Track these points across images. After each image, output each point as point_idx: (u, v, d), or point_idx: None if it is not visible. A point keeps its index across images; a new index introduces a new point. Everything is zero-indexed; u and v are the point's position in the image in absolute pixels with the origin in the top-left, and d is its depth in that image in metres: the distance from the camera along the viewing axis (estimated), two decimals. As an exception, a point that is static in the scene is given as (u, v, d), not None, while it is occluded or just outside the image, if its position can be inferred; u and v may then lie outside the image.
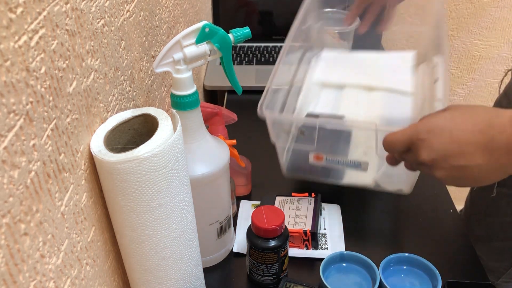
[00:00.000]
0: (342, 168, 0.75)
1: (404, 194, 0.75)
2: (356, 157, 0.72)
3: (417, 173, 0.68)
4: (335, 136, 0.71)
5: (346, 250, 0.71)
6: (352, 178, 0.76)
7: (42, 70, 0.35)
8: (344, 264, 0.67)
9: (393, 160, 0.59)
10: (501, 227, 0.88)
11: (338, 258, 0.67)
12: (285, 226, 0.64)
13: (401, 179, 0.73)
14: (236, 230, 0.75)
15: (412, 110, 0.78)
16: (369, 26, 0.83)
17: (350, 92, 0.84)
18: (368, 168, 0.72)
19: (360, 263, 0.66)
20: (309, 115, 0.78)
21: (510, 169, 0.48)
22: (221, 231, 0.68)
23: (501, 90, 0.90)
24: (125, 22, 0.55)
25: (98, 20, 0.46)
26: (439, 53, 0.72)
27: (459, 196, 1.05)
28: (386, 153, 0.59)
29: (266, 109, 0.66)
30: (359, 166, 0.72)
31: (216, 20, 1.31)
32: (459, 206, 0.97)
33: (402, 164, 0.59)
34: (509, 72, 0.90)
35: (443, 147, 0.49)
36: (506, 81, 0.88)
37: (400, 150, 0.55)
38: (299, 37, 0.84)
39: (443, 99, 0.62)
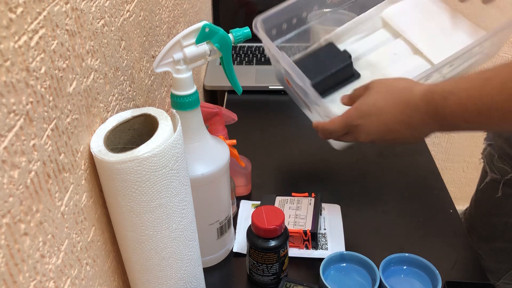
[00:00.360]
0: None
1: (336, 149, 0.77)
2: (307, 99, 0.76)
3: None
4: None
5: (346, 250, 0.71)
6: (308, 112, 0.81)
7: (42, 70, 0.35)
8: (344, 264, 0.67)
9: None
10: (505, 228, 0.88)
11: (338, 258, 0.67)
12: (285, 226, 0.64)
13: None
14: (236, 230, 0.75)
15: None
16: None
17: (399, 45, 0.83)
18: (314, 112, 0.77)
19: (360, 263, 0.66)
20: (329, 44, 0.82)
21: (433, 132, 0.58)
22: (221, 231, 0.68)
23: None
24: (125, 22, 0.55)
25: (98, 20, 0.46)
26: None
27: (459, 196, 1.05)
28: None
29: (260, 26, 0.74)
30: (308, 107, 0.78)
31: (216, 20, 1.31)
32: (459, 206, 0.96)
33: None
34: None
35: (376, 129, 0.60)
36: None
37: (339, 136, 0.65)
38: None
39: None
